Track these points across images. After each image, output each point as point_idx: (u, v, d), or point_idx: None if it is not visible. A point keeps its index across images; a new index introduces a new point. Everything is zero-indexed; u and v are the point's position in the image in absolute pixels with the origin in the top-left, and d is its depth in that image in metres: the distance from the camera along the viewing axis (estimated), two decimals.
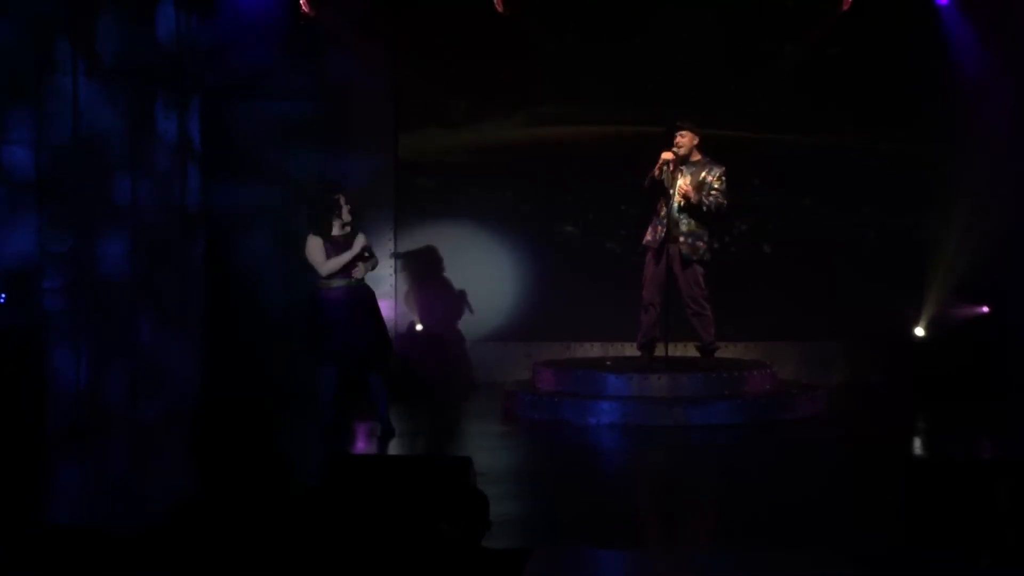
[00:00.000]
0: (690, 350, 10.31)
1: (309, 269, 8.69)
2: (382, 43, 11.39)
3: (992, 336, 10.90)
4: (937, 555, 5.22)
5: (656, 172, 9.67)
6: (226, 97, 10.22)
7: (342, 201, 8.68)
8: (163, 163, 9.42)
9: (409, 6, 11.43)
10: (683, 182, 9.71)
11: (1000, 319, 11.00)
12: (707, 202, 9.71)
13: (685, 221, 9.74)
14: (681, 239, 9.73)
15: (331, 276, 8.56)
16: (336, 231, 8.65)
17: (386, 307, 10.97)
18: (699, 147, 9.87)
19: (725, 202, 9.78)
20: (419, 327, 11.57)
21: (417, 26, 11.48)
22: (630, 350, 10.76)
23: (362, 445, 8.88)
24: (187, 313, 9.69)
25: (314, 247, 8.57)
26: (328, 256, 8.52)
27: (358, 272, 8.66)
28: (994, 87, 10.77)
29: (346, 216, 8.65)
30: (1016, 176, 10.54)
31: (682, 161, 9.74)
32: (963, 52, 10.96)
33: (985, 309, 11.14)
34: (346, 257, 8.53)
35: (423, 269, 11.63)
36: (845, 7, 10.96)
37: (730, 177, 9.89)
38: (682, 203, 9.73)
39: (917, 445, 9.21)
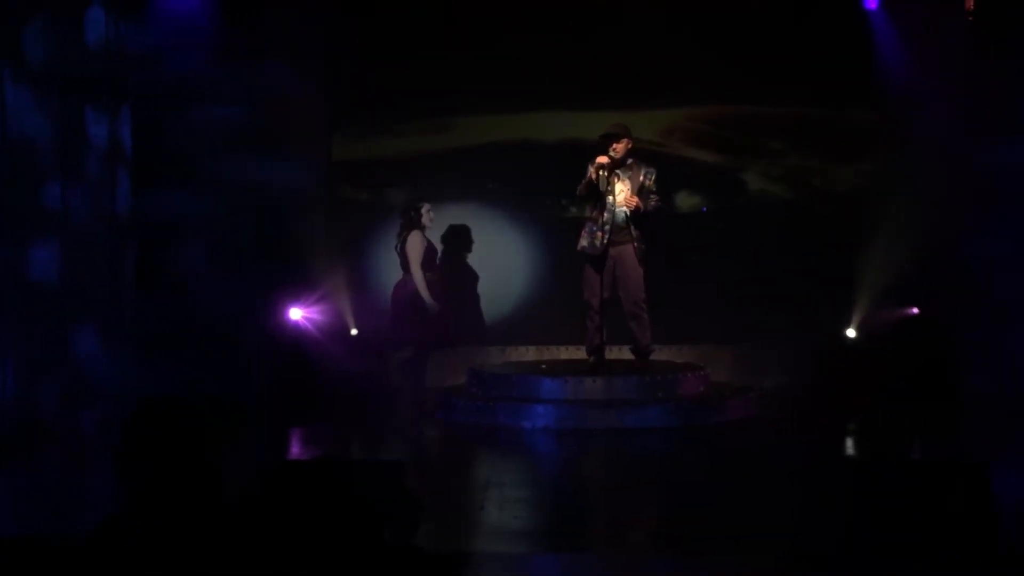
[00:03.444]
0: (625, 353, 10.34)
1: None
2: (317, 48, 11.33)
3: (923, 337, 10.98)
4: (875, 554, 5.23)
5: (592, 176, 9.73)
6: (158, 103, 10.09)
7: (423, 210, 10.16)
8: (94, 170, 9.27)
9: (345, 9, 11.38)
10: (623, 188, 9.81)
11: (931, 320, 11.08)
12: (649, 207, 9.80)
13: (632, 226, 9.83)
14: (635, 244, 9.81)
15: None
16: (427, 233, 10.17)
17: (322, 312, 10.93)
18: (632, 151, 9.97)
19: (663, 204, 9.90)
20: (353, 332, 11.51)
21: (353, 30, 11.43)
22: (566, 354, 10.78)
23: (298, 451, 8.80)
24: (120, 322, 9.54)
25: (415, 242, 10.05)
26: (424, 253, 10.05)
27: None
28: (925, 90, 10.86)
29: (429, 222, 10.16)
30: (947, 178, 10.62)
31: (617, 166, 9.82)
32: (892, 55, 11.06)
33: (915, 311, 11.23)
34: (424, 290, 10.00)
35: (358, 274, 11.55)
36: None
37: (660, 182, 10.00)
38: (628, 210, 9.81)
39: (848, 446, 9.26)
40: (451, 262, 11.44)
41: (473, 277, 11.62)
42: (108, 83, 9.46)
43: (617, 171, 9.85)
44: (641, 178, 9.90)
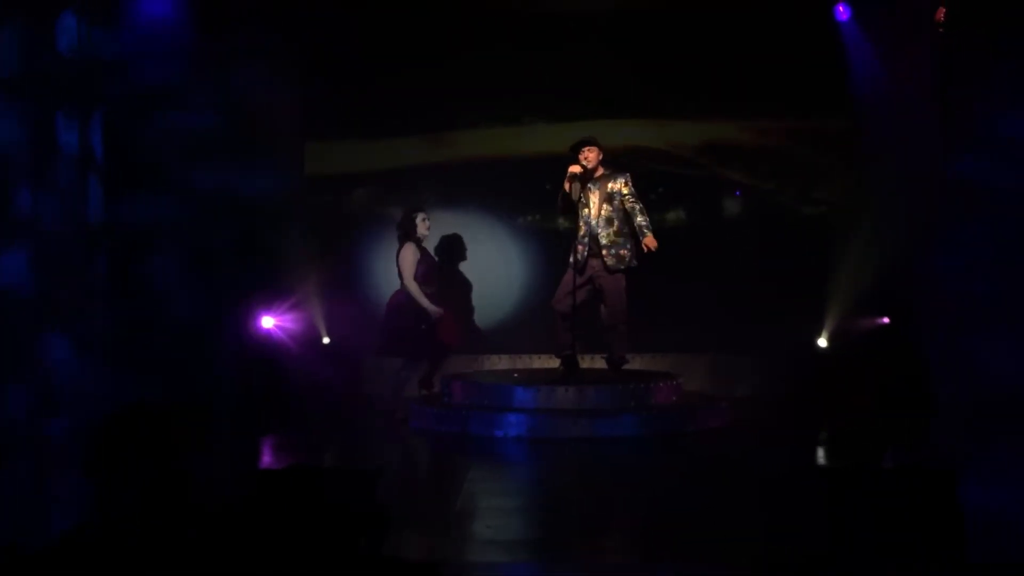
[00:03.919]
0: (597, 362, 10.34)
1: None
2: (291, 55, 11.30)
3: (894, 347, 11.02)
4: (846, 561, 5.24)
5: (566, 186, 9.78)
6: (130, 110, 10.04)
7: (418, 219, 10.21)
8: (65, 176, 9.22)
9: (319, 16, 11.36)
10: (595, 200, 9.83)
11: (901, 330, 11.11)
12: (628, 206, 9.81)
13: (604, 233, 9.85)
14: (604, 252, 9.82)
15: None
16: (423, 243, 10.29)
17: (295, 320, 10.91)
18: (602, 161, 9.99)
19: (641, 205, 9.88)
20: (326, 340, 11.48)
21: (327, 37, 11.41)
22: (539, 362, 10.78)
23: (270, 460, 8.77)
24: (91, 330, 9.49)
25: (408, 253, 10.17)
26: (416, 265, 10.11)
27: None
28: (895, 101, 10.91)
29: (425, 231, 10.26)
30: (917, 187, 10.66)
31: (588, 176, 9.84)
32: (863, 67, 11.11)
33: (886, 320, 11.27)
34: (422, 299, 10.08)
35: (330, 282, 11.52)
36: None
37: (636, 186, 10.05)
38: (600, 218, 9.81)
39: (820, 454, 9.28)
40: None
41: (449, 286, 11.60)
42: (80, 89, 9.41)
43: (589, 184, 9.87)
44: (613, 185, 9.89)
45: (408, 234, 10.29)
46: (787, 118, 11.88)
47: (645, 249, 9.79)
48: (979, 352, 10.13)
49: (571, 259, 10.00)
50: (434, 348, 10.32)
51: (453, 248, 11.60)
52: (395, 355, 10.39)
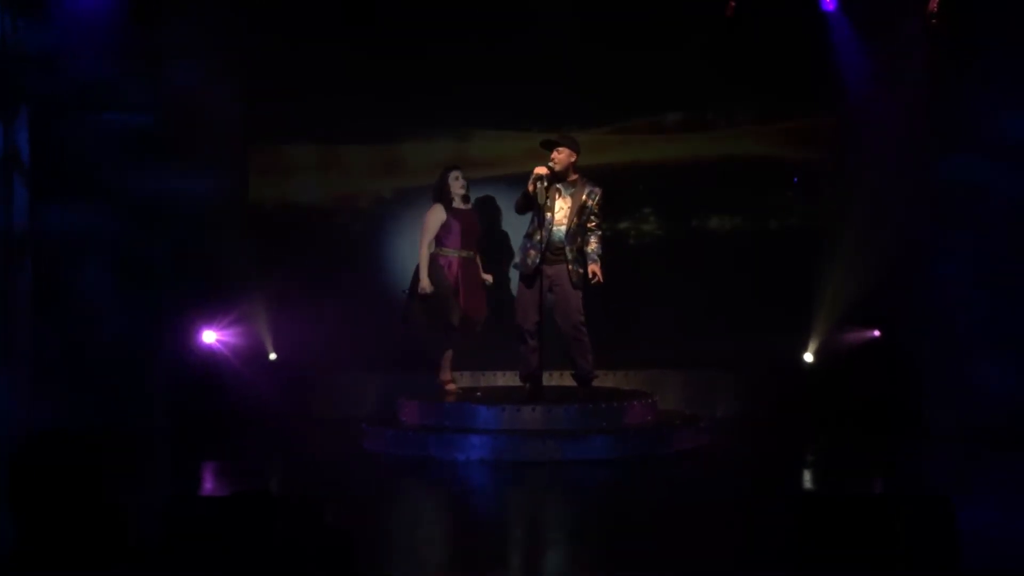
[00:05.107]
0: (566, 379, 10.29)
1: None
2: (231, 50, 11.22)
3: (884, 362, 11.03)
4: None
5: (530, 188, 9.62)
6: (58, 108, 9.97)
7: (449, 178, 10.33)
8: None
9: (262, 9, 11.30)
10: (564, 206, 9.72)
11: (892, 343, 11.13)
12: (591, 226, 9.74)
13: (569, 248, 9.73)
14: (568, 266, 9.71)
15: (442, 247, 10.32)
16: (458, 203, 10.37)
17: (237, 335, 10.85)
18: (575, 167, 9.85)
19: (600, 231, 9.82)
20: (272, 356, 11.40)
21: (271, 30, 11.34)
22: (503, 380, 10.75)
23: (211, 487, 8.70)
24: (13, 346, 9.41)
25: (430, 215, 10.32)
26: (450, 225, 10.27)
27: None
28: (882, 99, 10.93)
29: (459, 190, 10.34)
30: (907, 193, 10.70)
31: (557, 179, 9.71)
32: (850, 59, 11.13)
33: (876, 333, 11.28)
34: (422, 267, 10.25)
35: (276, 294, 11.43)
36: (728, 14, 11.09)
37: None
38: (564, 227, 9.73)
39: (804, 480, 9.27)
40: (372, 279, 11.57)
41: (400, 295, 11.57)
42: (3, 86, 9.35)
43: (559, 186, 9.74)
44: (584, 198, 9.76)
45: (440, 194, 10.38)
46: (768, 118, 11.91)
47: (591, 275, 9.69)
48: (975, 367, 10.22)
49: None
50: (452, 324, 10.37)
51: None
52: (410, 326, 10.49)
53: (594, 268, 9.66)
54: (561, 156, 9.73)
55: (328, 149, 11.99)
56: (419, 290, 10.27)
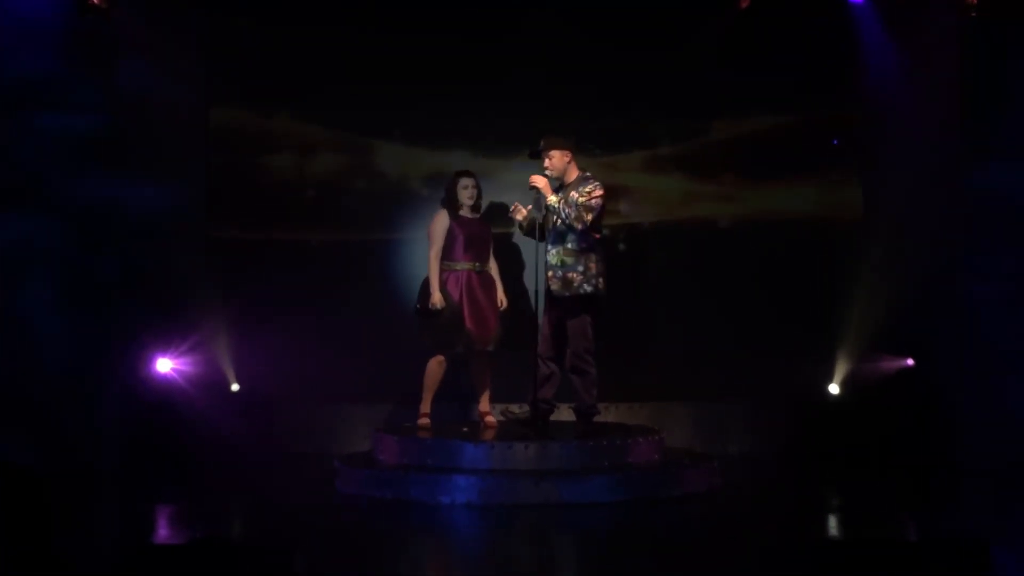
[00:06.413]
0: (565, 413, 10.24)
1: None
2: (189, 46, 11.20)
3: (917, 394, 10.99)
4: None
5: (518, 217, 9.75)
6: None
7: (458, 185, 10.47)
8: None
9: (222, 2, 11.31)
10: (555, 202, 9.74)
11: (927, 374, 11.08)
12: (563, 214, 9.64)
13: (553, 251, 9.77)
14: (549, 274, 9.74)
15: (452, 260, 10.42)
16: (465, 212, 10.49)
17: (196, 363, 10.80)
18: (575, 163, 9.85)
19: (581, 224, 9.65)
20: (235, 387, 11.35)
21: (233, 23, 11.33)
22: (493, 411, 10.69)
23: (166, 532, 8.58)
24: None
25: (435, 222, 10.47)
26: (454, 234, 10.38)
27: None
28: (912, 102, 10.91)
29: (467, 199, 10.44)
30: (940, 204, 10.66)
31: (558, 186, 9.75)
32: (879, 56, 11.13)
33: (910, 362, 11.24)
34: (432, 279, 10.32)
35: (239, 318, 11.38)
36: (744, 5, 11.08)
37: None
38: (549, 231, 9.76)
39: (828, 524, 9.20)
40: (345, 300, 11.60)
41: (378, 320, 11.54)
42: None
43: (560, 194, 9.76)
44: (575, 193, 9.72)
45: (450, 200, 10.52)
46: (787, 115, 11.85)
47: (512, 208, 9.86)
48: (1013, 397, 10.14)
49: (540, 290, 9.90)
50: (456, 350, 10.46)
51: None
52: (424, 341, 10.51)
53: (519, 206, 9.90)
54: (554, 160, 9.82)
55: (299, 158, 11.93)
56: (429, 305, 10.28)
